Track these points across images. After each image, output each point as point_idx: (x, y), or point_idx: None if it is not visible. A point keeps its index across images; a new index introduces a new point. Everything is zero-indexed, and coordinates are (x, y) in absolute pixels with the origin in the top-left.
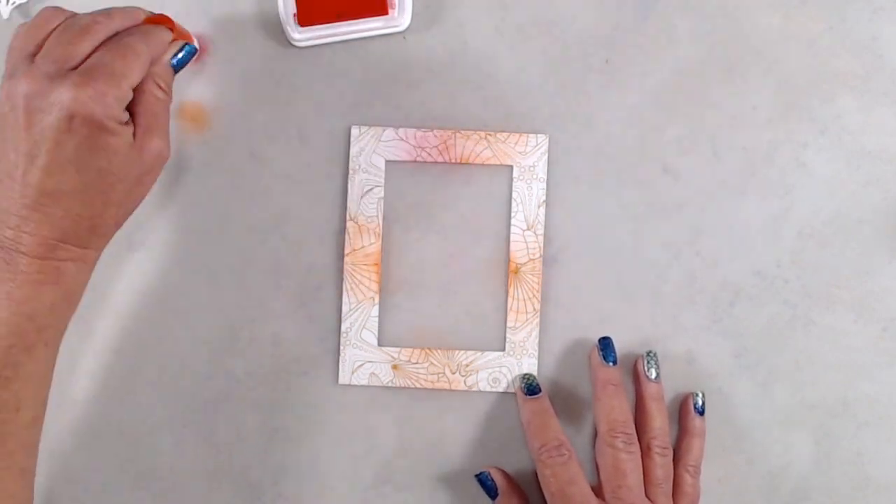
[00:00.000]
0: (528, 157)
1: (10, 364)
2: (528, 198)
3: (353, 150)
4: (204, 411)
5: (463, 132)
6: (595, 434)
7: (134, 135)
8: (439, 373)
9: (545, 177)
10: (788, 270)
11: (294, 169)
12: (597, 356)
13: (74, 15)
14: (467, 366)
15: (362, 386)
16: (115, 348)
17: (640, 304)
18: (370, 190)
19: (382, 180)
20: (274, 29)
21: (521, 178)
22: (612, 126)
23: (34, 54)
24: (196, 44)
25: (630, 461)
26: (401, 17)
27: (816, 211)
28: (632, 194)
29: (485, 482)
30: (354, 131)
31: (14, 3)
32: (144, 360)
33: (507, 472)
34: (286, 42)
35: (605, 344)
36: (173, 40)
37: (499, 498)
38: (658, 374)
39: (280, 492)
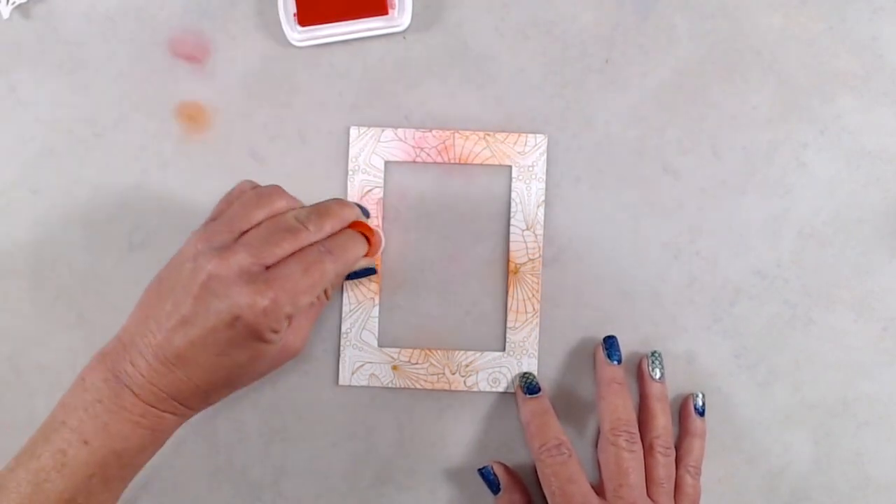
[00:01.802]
0: (527, 157)
1: (86, 491)
2: (528, 198)
3: (353, 151)
4: (204, 411)
5: (462, 132)
6: (597, 433)
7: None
8: (439, 373)
9: (544, 177)
10: (788, 270)
11: (294, 169)
12: (601, 354)
13: (287, 213)
14: (467, 366)
15: (362, 386)
16: None
17: (640, 304)
18: (370, 190)
19: (382, 181)
20: (274, 29)
21: (521, 178)
22: (612, 126)
23: (244, 231)
24: (381, 248)
25: (633, 460)
26: (401, 17)
27: (816, 211)
28: (632, 194)
29: (487, 476)
30: (353, 132)
31: (14, 2)
32: None
33: (509, 467)
34: (286, 42)
35: (611, 343)
36: (365, 254)
37: (501, 493)
38: (662, 374)
39: (280, 492)
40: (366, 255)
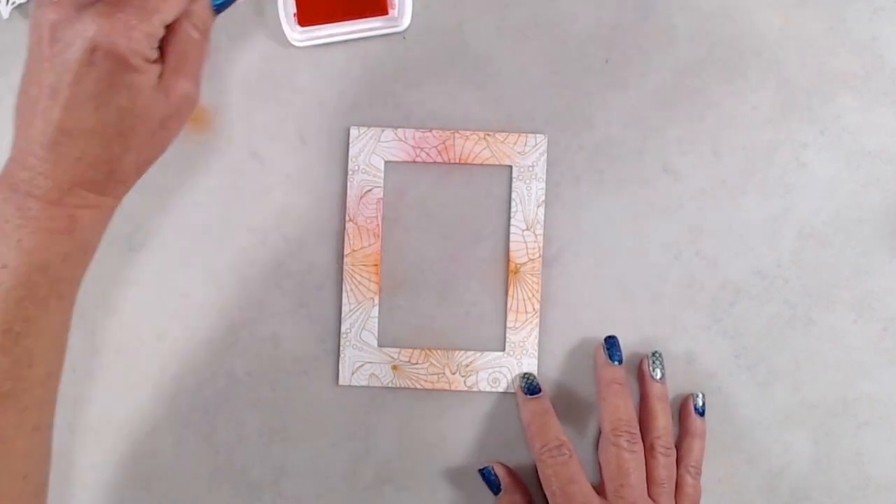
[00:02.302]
0: (527, 157)
1: (22, 318)
2: (528, 198)
3: (352, 151)
4: (204, 411)
5: (461, 132)
6: (597, 433)
7: (161, 75)
8: (439, 373)
9: (544, 177)
10: (788, 270)
11: (294, 169)
12: (602, 355)
13: None
14: (467, 366)
15: (362, 386)
16: (115, 348)
17: (640, 304)
18: (369, 190)
19: (381, 181)
20: (274, 29)
21: (520, 178)
22: (612, 126)
23: None
24: None
25: (633, 460)
26: (401, 17)
27: (816, 211)
28: (632, 194)
29: (488, 477)
30: (353, 132)
31: (14, 2)
32: (144, 360)
33: (510, 468)
34: (286, 42)
35: (612, 343)
36: None
37: (502, 493)
38: (663, 375)
39: (280, 492)
40: None
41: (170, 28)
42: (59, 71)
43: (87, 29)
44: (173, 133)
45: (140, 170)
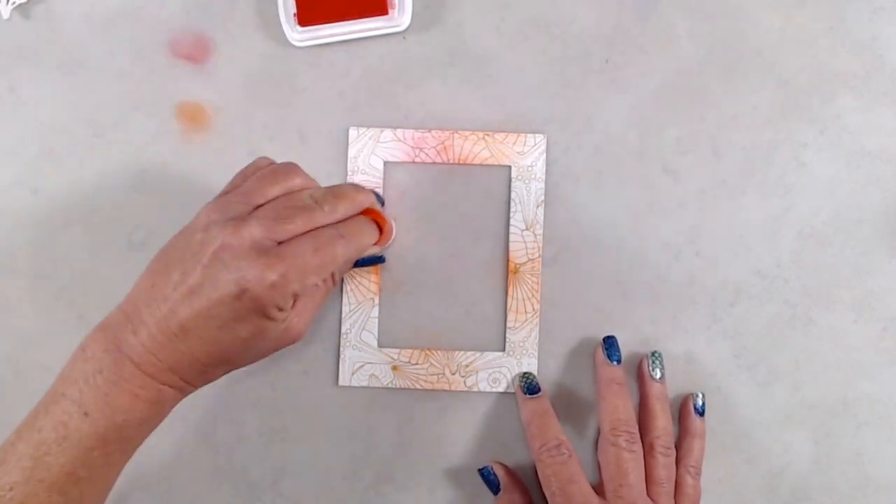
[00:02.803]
0: (526, 157)
1: (87, 465)
2: (527, 198)
3: (352, 152)
4: (204, 411)
5: (461, 133)
6: (597, 433)
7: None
8: (439, 373)
9: (543, 177)
10: (788, 270)
11: None
12: (601, 355)
13: (303, 192)
14: (467, 366)
15: (362, 387)
16: None
17: (640, 304)
18: None
19: (381, 181)
20: (274, 29)
21: (520, 178)
22: (612, 126)
23: (258, 205)
24: (392, 236)
25: (632, 460)
26: (401, 17)
27: (816, 211)
28: (632, 194)
29: (487, 476)
30: (353, 132)
31: (14, 2)
32: None
33: (509, 467)
34: (286, 42)
35: (610, 343)
36: (376, 242)
37: (501, 493)
38: (662, 375)
39: (280, 492)
40: (376, 244)
41: None
42: (207, 283)
43: (250, 272)
44: (269, 354)
45: (226, 373)
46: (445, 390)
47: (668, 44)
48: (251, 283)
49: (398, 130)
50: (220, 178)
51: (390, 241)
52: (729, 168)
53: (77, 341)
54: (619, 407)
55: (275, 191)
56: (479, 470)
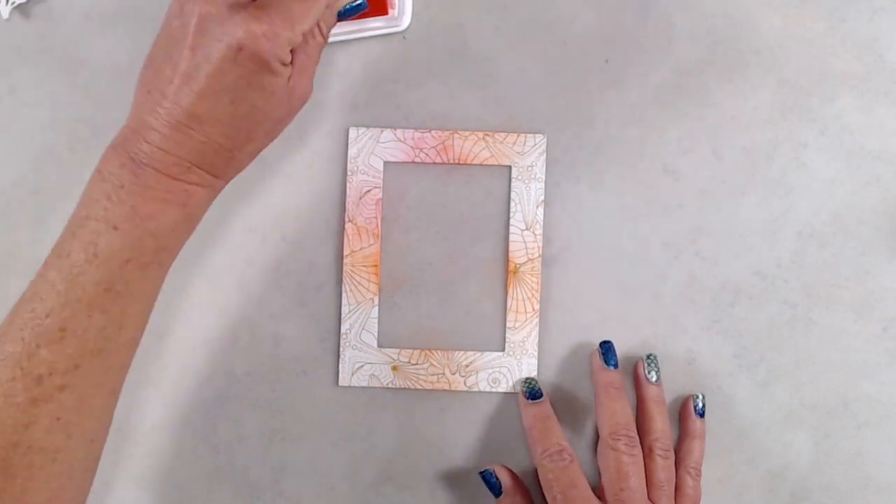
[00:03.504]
0: (526, 157)
1: (123, 279)
2: (527, 198)
3: (351, 152)
4: (204, 411)
5: (461, 133)
6: (596, 435)
7: (289, 76)
8: (439, 373)
9: (543, 177)
10: (788, 270)
11: (294, 169)
12: (598, 360)
13: None
14: (467, 366)
15: (362, 387)
16: None
17: (640, 305)
18: (368, 191)
19: (381, 181)
20: None
21: (520, 178)
22: (612, 126)
23: None
24: None
25: (632, 464)
26: (401, 17)
27: (816, 211)
28: (632, 194)
29: (489, 479)
30: (352, 133)
31: (14, 2)
32: (144, 359)
33: (511, 470)
34: None
35: (606, 348)
36: None
37: (503, 496)
38: (658, 377)
39: (280, 492)
40: None
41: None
42: (200, 60)
43: (238, 29)
44: (285, 126)
45: (253, 157)
46: (445, 390)
47: (668, 43)
48: (243, 39)
49: (398, 130)
50: None
51: None
52: (729, 168)
53: None
54: (618, 411)
55: None
56: (481, 473)
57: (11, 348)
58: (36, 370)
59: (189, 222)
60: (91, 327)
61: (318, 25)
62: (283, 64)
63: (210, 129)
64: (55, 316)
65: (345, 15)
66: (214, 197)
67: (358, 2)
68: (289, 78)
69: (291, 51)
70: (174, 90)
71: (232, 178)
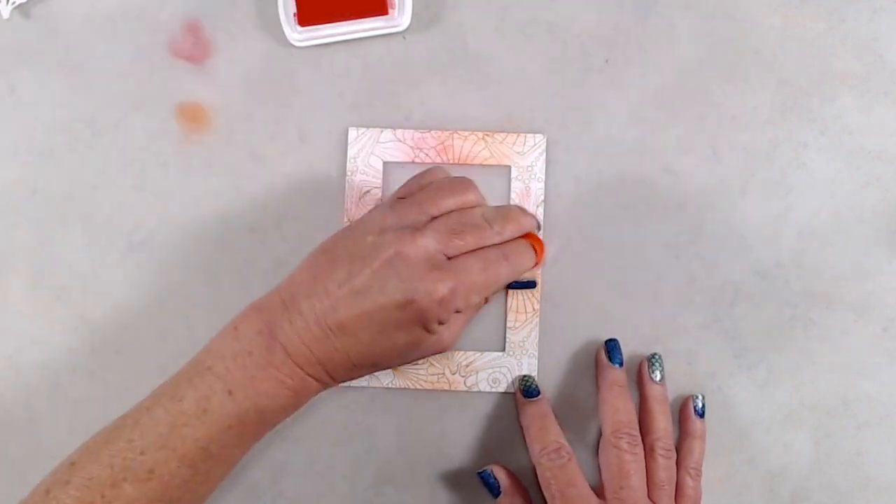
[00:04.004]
0: (526, 157)
1: (221, 443)
2: (527, 198)
3: (351, 152)
4: None
5: (460, 133)
6: (597, 434)
7: None
8: (439, 373)
9: (543, 177)
10: (788, 270)
11: (294, 169)
12: (603, 357)
13: (476, 208)
14: (467, 366)
15: (362, 387)
16: (115, 348)
17: (640, 304)
18: (368, 191)
19: (380, 181)
20: (274, 29)
21: (520, 178)
22: (612, 126)
23: (433, 217)
24: (539, 272)
25: (634, 462)
26: (401, 17)
27: (816, 211)
28: (632, 194)
29: (487, 479)
30: (352, 133)
31: (14, 2)
32: (144, 360)
33: (510, 470)
34: (286, 42)
35: (612, 346)
36: (534, 266)
37: (501, 496)
38: (662, 377)
39: (280, 492)
40: (533, 267)
41: None
42: (375, 288)
43: (422, 286)
44: (415, 360)
45: (370, 373)
46: (445, 390)
47: (668, 44)
48: (420, 295)
49: (398, 131)
50: (220, 178)
51: (542, 264)
52: (729, 168)
53: (77, 341)
54: (621, 409)
55: (449, 204)
56: (479, 473)
57: (98, 472)
58: (115, 502)
59: (294, 407)
60: (177, 476)
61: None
62: (442, 324)
63: (348, 345)
64: (149, 456)
65: (512, 288)
66: (321, 391)
67: (529, 281)
68: (440, 333)
69: (457, 311)
70: (339, 296)
71: (344, 382)
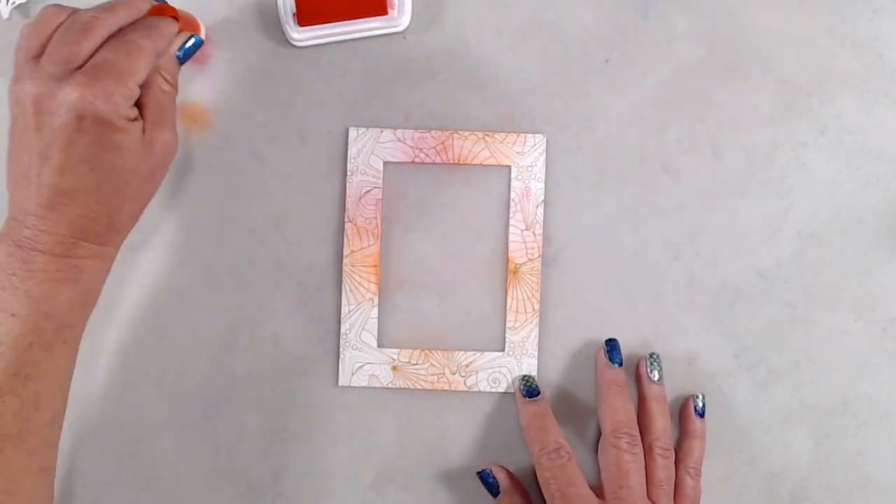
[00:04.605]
0: (526, 157)
1: (30, 362)
2: (527, 198)
3: (351, 152)
4: (204, 411)
5: (460, 133)
6: (596, 434)
7: (143, 129)
8: (439, 373)
9: (543, 177)
10: (788, 271)
11: (294, 169)
12: (603, 357)
13: (76, 12)
14: (467, 366)
15: (362, 387)
16: (115, 348)
17: (640, 304)
18: (368, 191)
19: (381, 181)
20: (274, 29)
21: (520, 178)
22: (612, 126)
23: (39, 55)
24: (203, 33)
25: (633, 462)
26: (400, 17)
27: (816, 211)
28: (632, 194)
29: (486, 479)
30: (352, 133)
31: (14, 2)
32: (144, 360)
33: (509, 470)
34: (286, 42)
35: (612, 346)
36: (179, 31)
37: (501, 496)
38: (661, 376)
39: (280, 492)
40: (181, 32)
41: (143, 86)
42: (48, 138)
43: (72, 99)
44: (159, 180)
45: (134, 218)
46: (445, 390)
47: (668, 44)
48: (80, 106)
49: (398, 131)
50: (220, 178)
51: (202, 32)
52: (729, 168)
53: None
54: (620, 409)
55: (56, 32)
56: (479, 472)
57: None
58: None
59: (86, 296)
60: (6, 412)
61: (161, 74)
62: (130, 119)
63: (81, 201)
64: None
65: (185, 56)
66: (108, 267)
67: (192, 41)
68: (143, 131)
69: (138, 105)
70: (35, 173)
71: (120, 243)
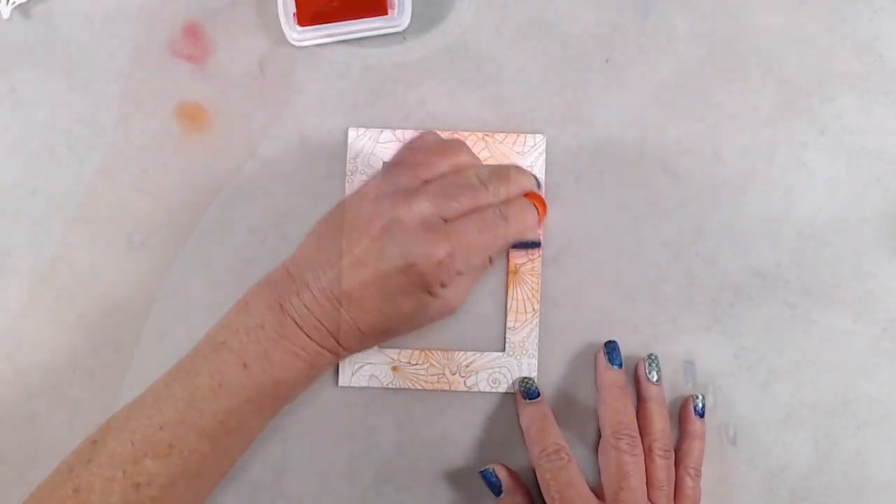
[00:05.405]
0: (526, 158)
1: (238, 416)
2: None
3: (351, 152)
4: None
5: (460, 133)
6: (597, 434)
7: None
8: (439, 374)
9: (543, 177)
10: (788, 270)
11: (294, 169)
12: (603, 359)
13: (481, 169)
14: (467, 366)
15: (362, 387)
16: (115, 348)
17: (640, 304)
18: None
19: None
20: (274, 29)
21: None
22: (612, 126)
23: (426, 180)
24: (542, 232)
25: (633, 463)
26: (400, 17)
27: (816, 211)
28: (632, 194)
29: (489, 478)
30: (352, 133)
31: (14, 2)
32: (144, 360)
33: (511, 469)
34: (286, 42)
35: (612, 347)
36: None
37: (503, 495)
38: (659, 378)
39: (280, 491)
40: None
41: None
42: (374, 256)
43: (419, 249)
44: (423, 325)
45: (381, 341)
46: (445, 390)
47: (668, 44)
48: (419, 259)
49: (398, 131)
50: (220, 178)
51: (544, 223)
52: (729, 168)
53: (77, 341)
54: (621, 410)
55: (443, 165)
56: (481, 472)
57: (119, 449)
58: (137, 478)
59: (309, 380)
60: (197, 451)
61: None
62: (443, 286)
63: (356, 313)
64: (168, 431)
65: (516, 248)
66: (335, 363)
67: (533, 241)
68: (445, 296)
69: (458, 273)
70: (342, 267)
71: (355, 353)
